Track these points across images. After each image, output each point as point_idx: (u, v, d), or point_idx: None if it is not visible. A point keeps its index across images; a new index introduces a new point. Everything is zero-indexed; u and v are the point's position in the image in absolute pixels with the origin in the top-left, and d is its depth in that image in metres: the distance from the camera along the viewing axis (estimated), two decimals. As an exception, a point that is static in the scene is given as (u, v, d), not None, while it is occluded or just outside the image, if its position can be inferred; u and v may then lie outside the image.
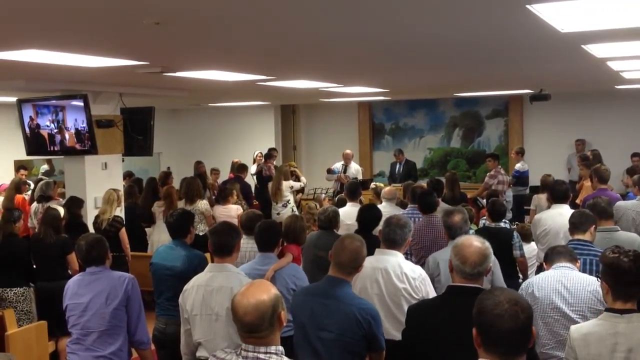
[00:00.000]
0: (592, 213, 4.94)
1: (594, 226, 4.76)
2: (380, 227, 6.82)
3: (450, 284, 3.29)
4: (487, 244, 3.32)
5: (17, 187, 9.49)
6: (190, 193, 8.66)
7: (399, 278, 4.20)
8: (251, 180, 12.71)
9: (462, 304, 3.13)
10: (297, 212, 9.72)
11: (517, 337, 2.26)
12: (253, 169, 13.47)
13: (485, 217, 7.38)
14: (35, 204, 8.48)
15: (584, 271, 4.32)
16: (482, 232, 6.02)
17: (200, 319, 3.96)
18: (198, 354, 4.00)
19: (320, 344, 3.54)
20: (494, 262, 4.64)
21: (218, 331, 3.89)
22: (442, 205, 7.09)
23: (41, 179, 9.64)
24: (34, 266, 6.53)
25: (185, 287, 4.08)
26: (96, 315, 4.23)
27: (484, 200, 9.19)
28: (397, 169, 13.08)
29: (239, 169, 11.90)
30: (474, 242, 3.25)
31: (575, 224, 4.77)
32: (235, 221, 7.59)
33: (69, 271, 6.40)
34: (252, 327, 2.51)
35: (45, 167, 12.74)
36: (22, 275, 6.33)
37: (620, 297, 3.04)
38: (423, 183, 10.54)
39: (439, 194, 7.40)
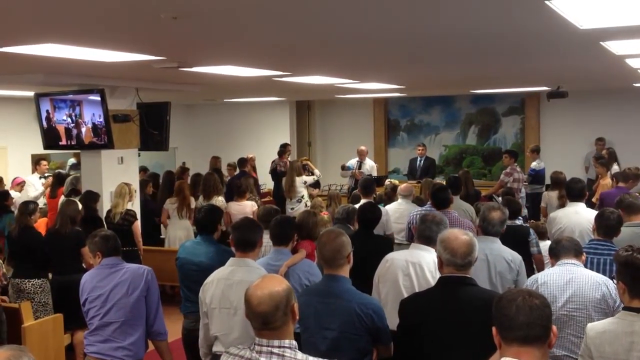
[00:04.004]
0: (619, 209, 4.99)
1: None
2: (402, 225, 6.87)
3: (442, 275, 3.44)
4: (471, 234, 3.47)
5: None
6: (208, 189, 8.68)
7: (432, 275, 4.23)
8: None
9: (454, 293, 3.36)
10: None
11: (533, 320, 2.26)
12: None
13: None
14: (63, 198, 8.42)
15: (603, 272, 4.29)
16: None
17: (218, 313, 3.95)
18: (214, 348, 4.00)
19: (325, 344, 3.53)
20: (520, 262, 4.66)
21: (235, 326, 3.88)
22: (458, 203, 7.09)
23: (64, 173, 9.58)
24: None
25: (206, 280, 4.08)
26: (117, 306, 4.26)
27: (500, 198, 9.13)
28: (417, 164, 12.79)
29: (240, 164, 11.93)
30: (459, 235, 3.40)
31: (597, 226, 4.81)
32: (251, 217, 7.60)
33: (84, 264, 6.44)
34: (266, 317, 2.50)
35: (72, 160, 12.69)
36: (39, 267, 6.38)
37: (637, 295, 3.01)
38: (439, 180, 10.50)
39: (457, 192, 7.37)
